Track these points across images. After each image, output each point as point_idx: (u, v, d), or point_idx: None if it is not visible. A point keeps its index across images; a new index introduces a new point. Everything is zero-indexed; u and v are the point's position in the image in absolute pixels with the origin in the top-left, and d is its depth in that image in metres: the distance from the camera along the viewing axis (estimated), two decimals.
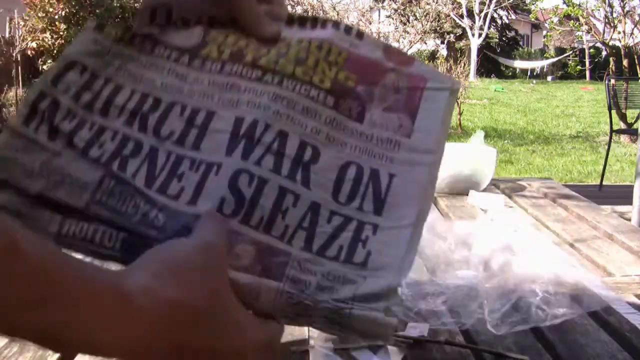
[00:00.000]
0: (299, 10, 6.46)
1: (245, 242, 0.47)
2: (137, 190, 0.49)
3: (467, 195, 1.50)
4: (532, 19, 26.82)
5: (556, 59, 22.25)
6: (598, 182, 5.13)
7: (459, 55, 16.67)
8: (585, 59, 22.16)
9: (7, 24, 8.11)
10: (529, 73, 21.66)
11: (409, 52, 6.95)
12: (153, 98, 0.53)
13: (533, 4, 21.00)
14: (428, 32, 6.49)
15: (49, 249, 0.37)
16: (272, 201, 0.49)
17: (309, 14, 6.46)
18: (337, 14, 6.65)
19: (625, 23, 8.24)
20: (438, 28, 6.67)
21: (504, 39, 25.94)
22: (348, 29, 0.59)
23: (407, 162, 0.53)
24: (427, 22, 6.28)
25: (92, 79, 0.53)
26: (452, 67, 8.84)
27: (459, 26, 18.57)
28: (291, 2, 6.53)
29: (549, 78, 21.90)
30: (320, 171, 0.51)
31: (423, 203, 0.52)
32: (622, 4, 8.21)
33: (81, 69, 0.53)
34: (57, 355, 0.68)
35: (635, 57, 8.20)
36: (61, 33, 9.63)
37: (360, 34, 0.59)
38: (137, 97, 0.53)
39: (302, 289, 0.47)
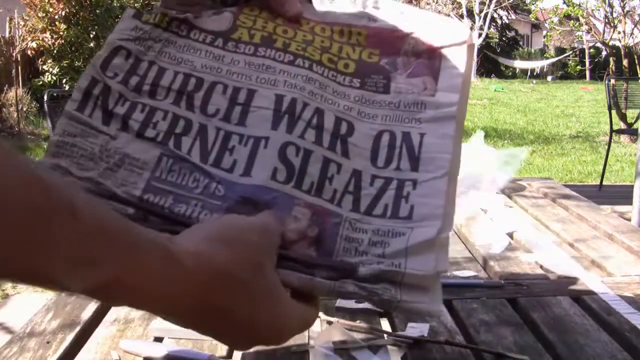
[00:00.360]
0: None
1: (300, 205, 0.51)
2: (194, 165, 0.52)
3: (467, 195, 1.50)
4: (532, 19, 26.81)
5: (556, 59, 22.24)
6: (598, 182, 5.12)
7: None
8: (585, 59, 22.15)
9: (7, 24, 8.11)
10: (529, 73, 21.65)
11: None
12: (196, 78, 0.56)
13: (533, 4, 20.99)
14: None
15: (104, 211, 0.40)
16: (319, 169, 0.53)
17: None
18: None
19: (625, 23, 8.24)
20: None
21: (504, 39, 25.94)
22: (364, 1, 0.62)
23: (433, 119, 0.57)
24: None
25: (137, 63, 0.55)
26: None
27: None
28: None
29: (549, 78, 21.90)
30: (357, 142, 0.55)
31: (453, 152, 0.56)
32: (622, 4, 8.21)
33: (126, 54, 0.55)
34: (57, 355, 0.68)
35: (635, 57, 8.19)
36: (61, 33, 9.62)
37: (376, 3, 0.62)
38: (181, 78, 0.55)
39: (357, 247, 0.50)
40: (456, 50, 0.59)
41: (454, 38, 0.59)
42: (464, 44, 0.59)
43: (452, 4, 6.33)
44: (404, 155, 0.55)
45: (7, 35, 8.09)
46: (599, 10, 9.09)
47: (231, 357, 0.68)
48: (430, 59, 0.59)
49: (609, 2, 8.25)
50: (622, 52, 8.25)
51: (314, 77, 0.57)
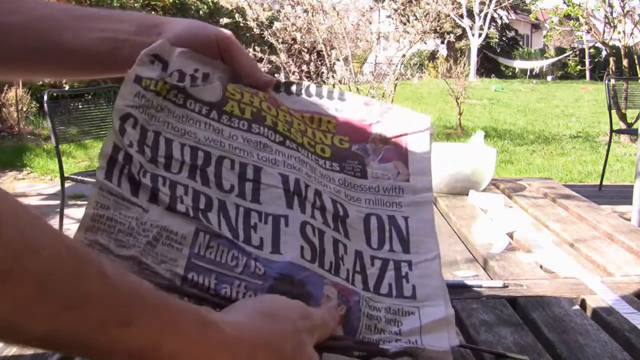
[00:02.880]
0: (298, 10, 6.45)
1: (328, 284, 0.52)
2: (230, 242, 0.51)
3: (467, 195, 1.50)
4: (532, 19, 26.79)
5: (556, 59, 22.23)
6: (598, 182, 5.12)
7: (459, 55, 16.67)
8: (585, 59, 22.14)
9: None
10: (528, 73, 21.64)
11: (409, 52, 6.94)
12: (203, 152, 0.56)
13: (533, 4, 20.97)
14: (428, 32, 6.47)
15: (133, 275, 0.39)
16: (332, 249, 0.54)
17: (309, 14, 6.45)
18: (337, 14, 6.63)
19: (625, 23, 8.23)
20: (438, 28, 6.66)
21: (504, 39, 25.93)
22: (330, 94, 0.65)
23: (413, 203, 0.60)
24: (427, 22, 6.27)
25: (144, 132, 0.55)
26: (452, 67, 8.83)
27: (459, 26, 18.55)
28: (291, 2, 6.52)
29: (549, 78, 21.89)
30: (353, 224, 0.58)
31: (435, 235, 0.58)
32: (622, 4, 8.20)
33: (133, 122, 0.55)
34: (57, 355, 0.68)
35: (635, 57, 8.19)
36: None
37: (342, 96, 0.65)
38: (189, 151, 0.56)
39: (376, 324, 0.52)
40: (420, 136, 0.64)
41: (417, 126, 0.64)
42: (426, 131, 0.64)
43: (452, 4, 6.33)
44: (394, 238, 0.58)
45: None
46: (599, 10, 9.09)
47: None
48: (397, 144, 0.63)
49: (609, 2, 8.24)
50: (622, 52, 8.25)
51: (304, 159, 0.59)
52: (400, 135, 0.63)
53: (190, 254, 0.50)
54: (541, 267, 1.04)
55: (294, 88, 0.65)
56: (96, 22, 0.60)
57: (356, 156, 0.62)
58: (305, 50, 6.44)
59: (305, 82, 0.67)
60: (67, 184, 3.11)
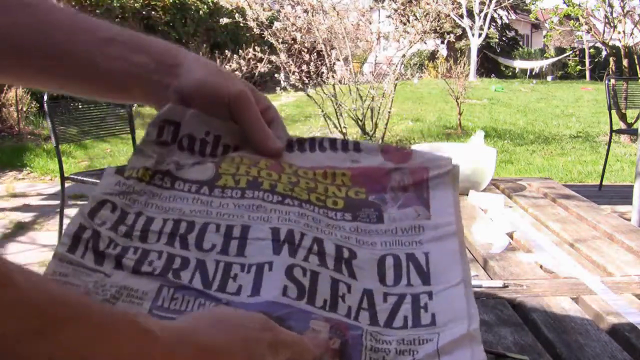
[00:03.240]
0: (298, 10, 6.44)
1: (317, 318, 0.50)
2: (198, 291, 0.50)
3: (467, 195, 1.50)
4: (532, 19, 26.80)
5: (556, 59, 22.22)
6: (598, 182, 5.12)
7: (459, 55, 16.66)
8: (585, 59, 22.14)
9: None
10: (528, 73, 21.64)
11: (409, 52, 6.94)
12: (187, 222, 0.55)
13: (533, 4, 20.97)
14: (428, 32, 6.47)
15: (53, 286, 0.37)
16: (329, 287, 0.52)
17: (309, 14, 6.45)
18: (337, 14, 6.63)
19: (625, 23, 8.23)
20: (438, 28, 6.66)
21: (504, 39, 25.93)
22: (345, 146, 0.63)
23: (434, 238, 0.57)
24: (427, 22, 6.27)
25: (124, 215, 0.55)
26: (452, 67, 8.83)
27: (459, 26, 18.56)
28: (291, 2, 6.51)
29: (549, 78, 21.88)
30: (362, 265, 0.55)
31: (463, 262, 0.56)
32: (622, 4, 8.20)
33: (111, 207, 0.55)
34: None
35: (635, 57, 8.19)
36: None
37: (357, 146, 0.63)
38: (171, 223, 0.55)
39: (384, 356, 0.49)
40: (442, 179, 0.61)
41: (439, 169, 0.61)
42: (448, 173, 0.61)
43: (452, 4, 6.32)
44: (412, 272, 0.55)
45: None
46: (599, 10, 9.08)
47: None
48: (417, 190, 0.60)
49: (609, 2, 8.24)
50: (622, 52, 8.24)
51: (306, 213, 0.57)
52: (421, 182, 0.61)
53: (151, 307, 0.48)
54: (541, 267, 1.04)
55: (307, 145, 0.63)
56: (112, 47, 0.57)
57: (372, 204, 0.59)
58: (305, 50, 6.44)
59: (318, 137, 0.64)
60: (67, 184, 3.11)
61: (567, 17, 10.09)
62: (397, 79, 6.53)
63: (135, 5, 11.22)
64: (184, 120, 0.59)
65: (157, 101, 0.60)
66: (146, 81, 0.58)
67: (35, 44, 0.56)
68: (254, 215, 0.55)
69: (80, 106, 3.41)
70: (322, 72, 6.42)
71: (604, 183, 5.11)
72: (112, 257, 0.51)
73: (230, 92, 0.58)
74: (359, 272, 0.54)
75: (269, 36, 6.31)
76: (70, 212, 4.07)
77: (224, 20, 6.58)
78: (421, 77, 16.43)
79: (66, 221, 3.45)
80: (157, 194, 0.57)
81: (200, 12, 12.37)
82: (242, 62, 8.10)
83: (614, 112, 5.43)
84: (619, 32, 8.22)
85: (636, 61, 8.07)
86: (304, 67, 6.35)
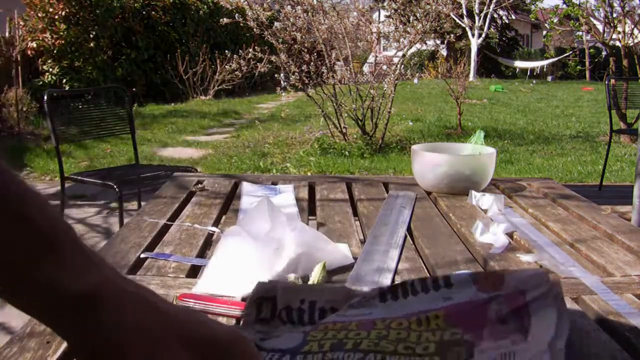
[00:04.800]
0: (298, 10, 6.44)
1: None
2: None
3: (467, 195, 1.50)
4: (532, 19, 26.80)
5: (556, 59, 22.23)
6: (598, 182, 5.12)
7: (459, 55, 16.66)
8: (585, 59, 22.14)
9: (7, 24, 8.10)
10: (528, 73, 21.64)
11: (409, 52, 6.94)
12: None
13: (533, 4, 20.98)
14: (428, 32, 6.47)
15: (58, 219, 0.42)
16: None
17: (309, 14, 6.44)
18: (337, 14, 6.63)
19: (625, 23, 8.23)
20: (438, 28, 6.65)
21: (504, 39, 25.92)
22: (435, 283, 0.61)
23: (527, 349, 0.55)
24: (427, 22, 6.27)
25: None
26: (452, 67, 8.82)
27: (459, 26, 18.55)
28: (291, 2, 6.51)
29: (549, 78, 21.89)
30: None
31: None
32: (622, 4, 8.20)
33: None
34: (57, 355, 0.68)
35: (635, 57, 8.18)
36: (61, 33, 9.61)
37: (447, 281, 0.61)
38: None
39: None
40: (543, 301, 0.57)
41: (536, 289, 0.58)
42: (549, 293, 0.57)
43: (452, 4, 6.31)
44: None
45: (7, 35, 8.08)
46: (599, 10, 9.09)
47: None
48: (517, 319, 0.57)
49: (609, 2, 8.24)
50: (622, 52, 8.24)
51: None
52: (520, 308, 0.58)
53: None
54: (541, 267, 1.04)
55: (399, 292, 0.63)
56: None
57: (465, 343, 0.58)
58: (305, 50, 6.44)
59: (409, 280, 0.63)
60: (67, 184, 3.11)
61: (567, 17, 10.10)
62: (397, 79, 6.53)
63: (135, 5, 11.21)
64: (279, 295, 0.61)
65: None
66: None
67: None
68: None
69: (80, 106, 3.41)
70: (322, 72, 6.42)
71: (604, 183, 5.11)
72: None
73: None
74: None
75: (269, 36, 6.31)
76: (71, 212, 4.07)
77: (224, 20, 6.58)
78: (421, 77, 16.42)
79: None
80: None
81: (200, 12, 12.36)
82: (242, 62, 8.11)
83: (614, 112, 5.43)
84: (619, 32, 8.22)
85: (636, 61, 8.07)
86: (304, 67, 6.34)
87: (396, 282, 0.64)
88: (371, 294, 0.65)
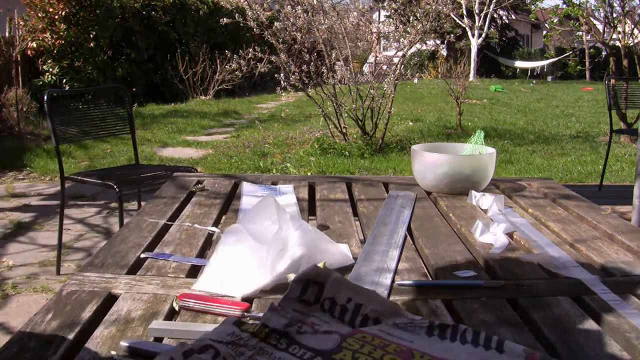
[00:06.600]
0: (298, 10, 6.44)
1: None
2: None
3: (467, 195, 1.50)
4: (532, 19, 26.77)
5: (556, 59, 22.22)
6: (598, 182, 5.12)
7: (459, 55, 16.66)
8: (585, 59, 22.13)
9: (7, 24, 8.10)
10: (529, 73, 21.64)
11: (409, 53, 6.93)
12: None
13: (533, 4, 20.95)
14: (428, 32, 6.47)
15: None
16: None
17: (309, 14, 6.44)
18: (337, 14, 6.63)
19: (625, 23, 8.22)
20: (438, 28, 6.65)
21: (504, 39, 25.92)
22: (487, 342, 0.60)
23: None
24: (427, 22, 6.26)
25: None
26: (452, 67, 8.82)
27: (459, 26, 18.55)
28: (291, 2, 6.51)
29: (549, 78, 21.89)
30: None
31: None
32: (622, 4, 8.20)
33: (214, 353, 0.56)
34: (57, 355, 0.68)
35: (635, 57, 8.18)
36: (61, 33, 9.61)
37: (500, 346, 0.60)
38: None
39: None
40: None
41: None
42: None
43: (452, 4, 6.32)
44: None
45: (7, 35, 8.08)
46: (599, 10, 9.08)
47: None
48: None
49: (609, 2, 8.23)
50: (622, 52, 8.24)
51: None
52: None
53: None
54: (541, 267, 1.04)
55: (448, 332, 0.62)
56: None
57: None
58: (305, 50, 6.43)
59: (463, 326, 0.63)
60: (67, 184, 3.11)
61: (567, 17, 10.09)
62: (397, 79, 6.53)
63: (135, 5, 11.21)
64: (328, 283, 0.61)
65: None
66: None
67: None
68: None
69: (80, 106, 3.40)
70: (322, 72, 6.41)
71: (604, 183, 5.11)
72: None
73: None
74: None
75: (269, 36, 6.30)
76: (71, 212, 4.07)
77: (224, 20, 6.58)
78: (421, 77, 16.42)
79: (66, 221, 3.45)
80: (267, 352, 0.58)
81: (200, 12, 12.36)
82: (242, 62, 8.11)
83: (614, 112, 5.43)
84: (619, 32, 8.22)
85: (636, 61, 8.07)
86: (304, 67, 6.34)
87: (451, 323, 0.63)
88: (420, 322, 0.64)
